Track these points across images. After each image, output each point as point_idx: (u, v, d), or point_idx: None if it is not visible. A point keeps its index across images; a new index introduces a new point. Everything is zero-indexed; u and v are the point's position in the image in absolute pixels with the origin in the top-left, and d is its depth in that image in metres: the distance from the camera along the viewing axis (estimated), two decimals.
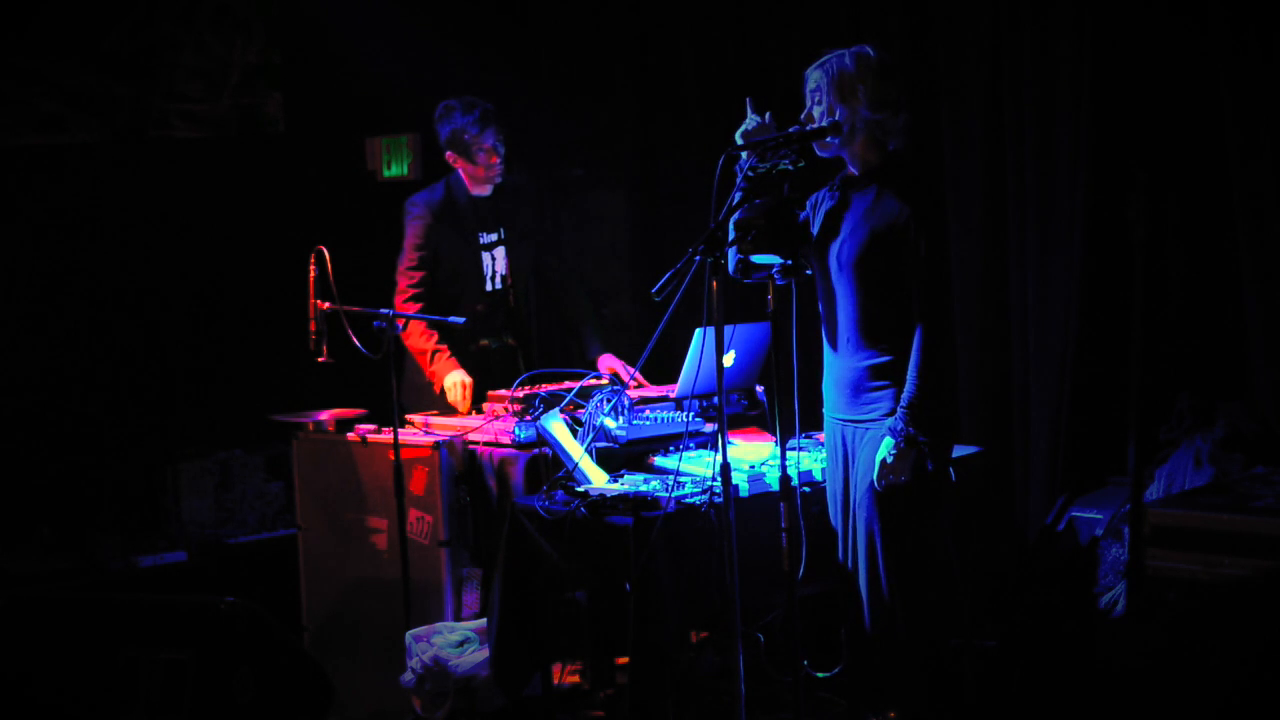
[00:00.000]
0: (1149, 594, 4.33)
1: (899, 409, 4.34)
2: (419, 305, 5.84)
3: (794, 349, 4.36)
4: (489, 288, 6.03)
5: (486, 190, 5.98)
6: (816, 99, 4.46)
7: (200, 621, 4.64)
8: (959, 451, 4.99)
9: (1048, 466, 5.72)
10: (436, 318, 5.70)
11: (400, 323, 5.68)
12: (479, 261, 6.01)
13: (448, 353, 5.76)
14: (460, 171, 5.96)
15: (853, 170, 4.53)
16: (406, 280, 5.90)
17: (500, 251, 6.05)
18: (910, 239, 4.36)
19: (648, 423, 5.16)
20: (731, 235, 4.31)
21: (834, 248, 4.49)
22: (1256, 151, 5.20)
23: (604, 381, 5.61)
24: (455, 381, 5.69)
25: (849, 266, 4.44)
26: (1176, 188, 5.43)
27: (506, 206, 6.05)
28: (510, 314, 6.12)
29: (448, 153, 5.93)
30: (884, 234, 4.38)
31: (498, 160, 5.90)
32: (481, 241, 6.01)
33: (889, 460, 4.34)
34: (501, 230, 6.04)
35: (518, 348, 6.15)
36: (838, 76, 4.42)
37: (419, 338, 5.78)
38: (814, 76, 4.47)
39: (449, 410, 5.69)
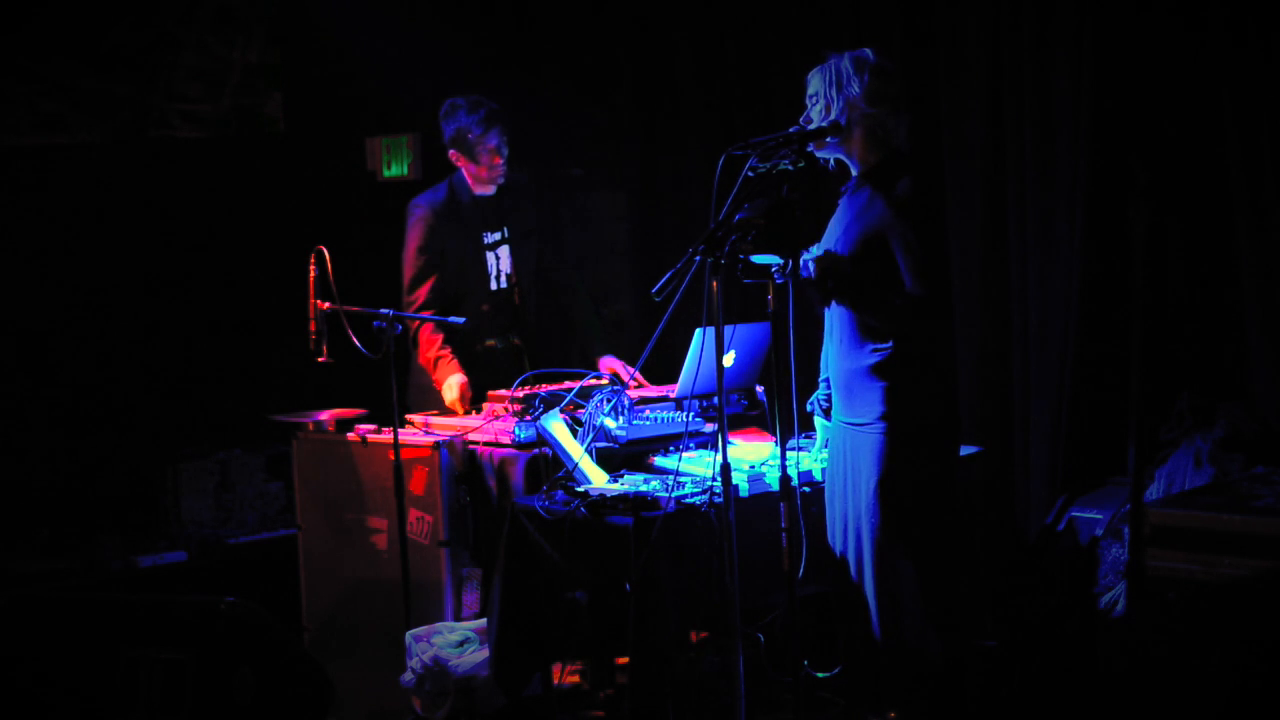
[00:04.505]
0: (1149, 594, 4.33)
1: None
2: (431, 319, 5.78)
3: (792, 349, 4.36)
4: (494, 286, 6.03)
5: (490, 190, 5.98)
6: (814, 101, 4.49)
7: (200, 621, 4.65)
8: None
9: (1048, 466, 5.72)
10: (437, 318, 5.70)
11: (413, 325, 5.69)
12: (483, 261, 6.01)
13: (449, 356, 5.75)
14: (463, 171, 5.96)
15: (854, 171, 4.54)
16: (417, 293, 5.88)
17: (504, 250, 6.05)
18: (894, 240, 4.35)
19: (648, 423, 5.16)
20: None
21: (829, 249, 4.50)
22: (1256, 151, 5.20)
23: (604, 381, 5.60)
24: (450, 384, 5.68)
25: None
26: (1176, 188, 5.43)
27: (509, 205, 6.05)
28: (516, 313, 6.12)
29: (451, 151, 5.92)
30: (873, 236, 4.39)
31: (500, 161, 5.89)
32: (486, 241, 6.01)
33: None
34: (505, 229, 6.04)
35: (523, 347, 6.14)
36: (835, 75, 4.44)
37: (427, 347, 5.77)
38: (814, 81, 4.50)
39: (451, 411, 5.69)
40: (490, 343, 6.04)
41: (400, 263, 5.96)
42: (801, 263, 4.38)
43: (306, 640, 5.79)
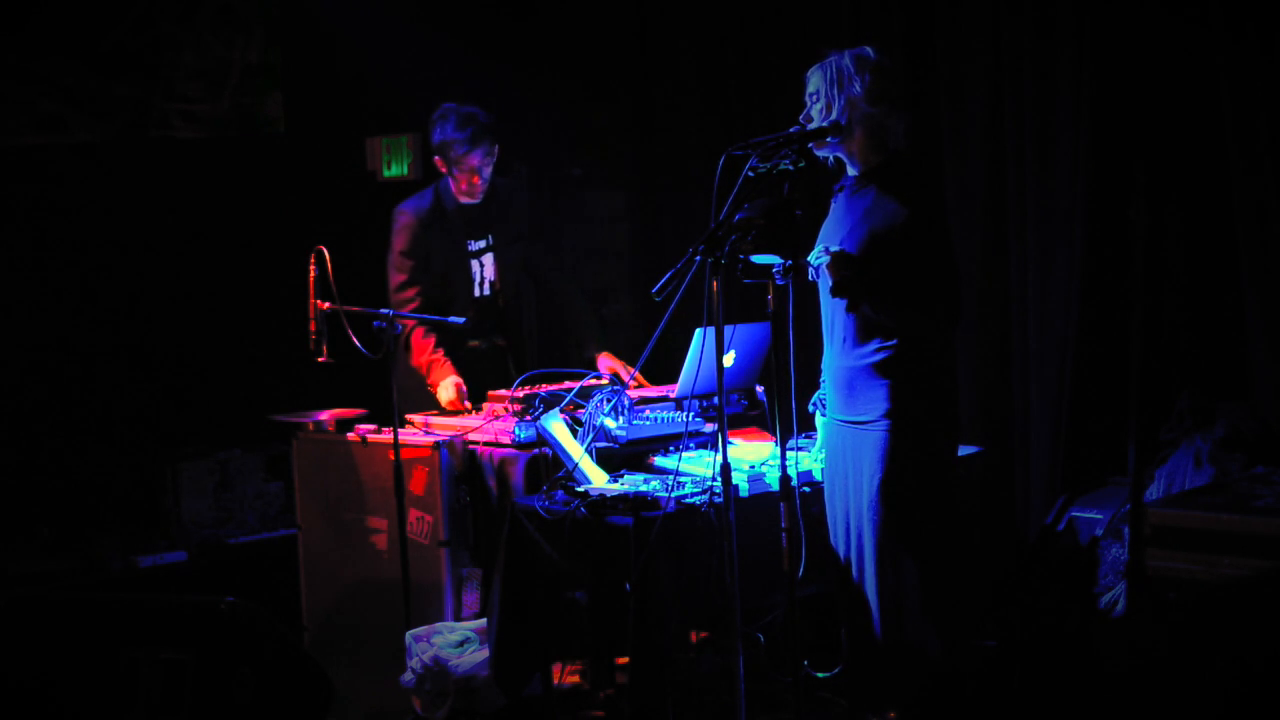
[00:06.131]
0: (1149, 594, 4.33)
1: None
2: (428, 319, 5.79)
3: (791, 349, 4.36)
4: (477, 293, 6.02)
5: (474, 199, 5.96)
6: (815, 99, 4.47)
7: (200, 621, 4.64)
8: (959, 451, 4.98)
9: (1048, 466, 5.72)
10: (436, 317, 5.69)
11: (406, 328, 5.68)
12: (467, 268, 5.99)
13: (443, 359, 5.75)
14: (449, 178, 5.96)
15: (852, 170, 4.53)
16: (403, 297, 5.87)
17: (489, 258, 6.03)
18: (911, 240, 4.35)
19: (648, 423, 5.17)
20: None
21: (838, 249, 4.48)
22: (1256, 152, 5.20)
23: (604, 381, 5.60)
24: (446, 385, 5.68)
25: None
26: (1176, 188, 5.43)
27: (496, 212, 6.03)
28: (500, 316, 6.11)
29: (435, 157, 5.92)
30: (883, 235, 4.38)
31: (479, 181, 5.86)
32: (470, 248, 5.99)
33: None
34: (490, 237, 6.03)
35: (507, 349, 6.14)
36: (836, 74, 4.42)
37: (420, 352, 5.77)
38: (813, 79, 4.48)
39: (450, 410, 5.68)
40: (473, 344, 6.03)
41: (385, 268, 5.97)
42: (811, 270, 4.38)
43: (306, 640, 5.79)
